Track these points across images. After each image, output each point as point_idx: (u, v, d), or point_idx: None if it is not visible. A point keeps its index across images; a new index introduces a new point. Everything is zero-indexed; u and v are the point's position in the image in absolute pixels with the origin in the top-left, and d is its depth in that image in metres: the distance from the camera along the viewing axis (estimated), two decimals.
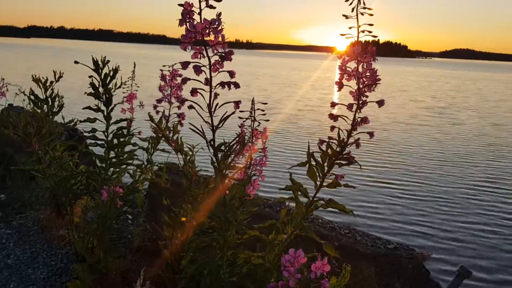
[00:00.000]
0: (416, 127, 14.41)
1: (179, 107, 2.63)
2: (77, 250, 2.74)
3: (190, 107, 1.56)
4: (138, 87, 2.92)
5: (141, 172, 2.71)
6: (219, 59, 1.45)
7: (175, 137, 2.03)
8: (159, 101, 2.58)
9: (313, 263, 1.55)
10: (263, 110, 1.93)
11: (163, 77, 2.57)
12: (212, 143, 1.56)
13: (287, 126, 13.01)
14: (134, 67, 2.92)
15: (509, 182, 8.24)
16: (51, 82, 2.90)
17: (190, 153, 1.90)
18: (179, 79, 2.61)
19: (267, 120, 1.95)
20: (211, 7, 1.41)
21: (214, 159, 1.59)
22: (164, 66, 2.57)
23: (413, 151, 10.25)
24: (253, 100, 1.96)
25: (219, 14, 1.44)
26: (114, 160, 2.73)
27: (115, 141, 2.74)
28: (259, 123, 1.97)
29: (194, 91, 1.53)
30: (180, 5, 1.43)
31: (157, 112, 2.59)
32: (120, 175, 2.79)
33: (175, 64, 2.59)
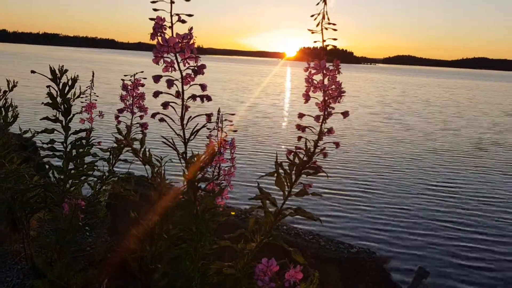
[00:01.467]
0: (369, 133, 14.87)
1: (141, 117, 2.62)
2: (35, 265, 2.65)
3: (161, 120, 1.56)
4: (97, 96, 2.86)
5: (102, 183, 2.66)
6: (191, 73, 1.47)
7: (143, 149, 2.01)
8: (120, 111, 2.55)
9: (286, 271, 1.59)
10: (231, 121, 1.96)
11: (124, 87, 2.54)
12: (184, 155, 1.57)
13: (250, 134, 12.98)
14: (93, 76, 2.87)
15: (464, 184, 8.66)
16: (4, 92, 2.79)
17: (158, 164, 1.89)
18: (141, 89, 2.60)
19: (235, 131, 1.98)
20: (183, 21, 1.42)
21: (186, 171, 1.59)
22: (125, 75, 2.54)
23: (369, 157, 10.54)
24: (219, 110, 1.98)
25: (190, 29, 1.45)
26: (73, 171, 2.67)
27: (74, 152, 2.67)
28: (226, 133, 2.00)
29: (166, 104, 1.53)
30: (151, 19, 1.44)
31: (119, 122, 2.56)
32: (79, 187, 2.72)
33: (137, 73, 2.58)
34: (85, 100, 2.80)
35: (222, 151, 1.97)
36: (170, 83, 1.44)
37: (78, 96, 2.61)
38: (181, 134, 1.56)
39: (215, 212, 1.73)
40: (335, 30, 1.74)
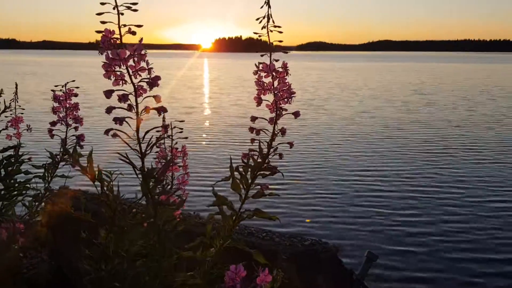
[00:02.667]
0: (295, 121, 15.23)
1: (76, 128, 2.48)
2: None
3: (114, 135, 1.49)
4: (23, 109, 2.66)
5: (38, 202, 2.49)
6: (146, 85, 1.41)
7: (92, 165, 1.91)
8: (53, 124, 2.40)
9: (253, 274, 1.61)
10: (181, 128, 1.92)
11: (56, 98, 2.39)
12: (142, 170, 1.52)
13: (198, 137, 12.31)
14: (16, 87, 2.66)
15: (404, 167, 9.05)
16: None
17: (108, 179, 1.81)
18: (74, 99, 2.46)
19: (186, 138, 1.94)
20: (133, 33, 1.37)
21: (144, 186, 1.54)
22: (56, 86, 2.39)
23: (303, 148, 10.63)
24: (164, 118, 1.93)
25: (141, 39, 1.40)
26: (3, 192, 2.48)
27: (3, 171, 2.48)
28: (176, 141, 1.96)
29: (118, 120, 1.47)
30: (98, 31, 1.36)
31: (52, 136, 2.41)
32: (12, 209, 2.53)
33: (68, 83, 2.44)
34: (10, 114, 2.60)
35: (174, 159, 1.93)
36: (124, 98, 1.38)
37: (4, 111, 2.41)
38: (137, 148, 1.50)
39: (175, 224, 1.70)
40: (280, 32, 1.76)
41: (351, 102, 21.21)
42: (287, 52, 1.84)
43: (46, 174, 2.50)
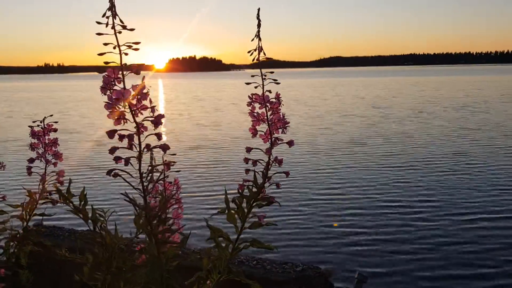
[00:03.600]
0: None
1: (55, 164, 2.39)
2: None
3: (115, 175, 1.46)
4: None
5: (18, 243, 2.37)
6: (151, 124, 1.40)
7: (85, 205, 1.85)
8: (31, 161, 2.31)
9: None
10: (174, 162, 1.89)
11: (34, 134, 2.31)
12: (146, 209, 1.49)
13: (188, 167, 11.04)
14: None
15: (372, 182, 9.08)
16: None
17: (102, 219, 1.76)
18: (52, 135, 2.38)
19: (178, 171, 1.92)
20: (137, 73, 1.35)
21: (149, 225, 1.51)
22: (34, 122, 2.31)
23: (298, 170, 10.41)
24: (152, 151, 1.91)
25: (143, 78, 1.38)
26: None
27: None
28: (168, 175, 1.93)
29: (118, 159, 1.44)
30: (100, 71, 1.34)
31: (31, 173, 2.32)
32: None
33: (46, 118, 2.36)
34: None
35: (168, 193, 1.90)
36: (131, 137, 1.36)
37: None
38: (140, 187, 1.47)
39: (179, 262, 1.67)
40: (270, 59, 1.79)
41: (311, 118, 21.48)
42: (275, 80, 1.85)
43: (25, 214, 2.39)
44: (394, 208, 7.38)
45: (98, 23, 1.28)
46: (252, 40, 1.78)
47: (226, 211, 1.87)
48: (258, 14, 1.76)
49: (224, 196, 1.87)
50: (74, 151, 13.38)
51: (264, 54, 1.79)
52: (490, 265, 5.33)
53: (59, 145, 2.37)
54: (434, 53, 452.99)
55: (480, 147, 12.66)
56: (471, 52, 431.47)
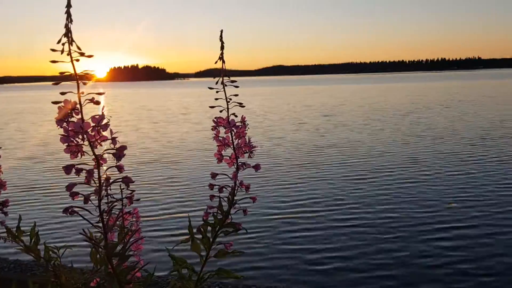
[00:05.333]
0: (202, 152, 14.99)
1: None
2: None
3: (72, 212, 1.34)
4: None
5: None
6: (113, 156, 1.29)
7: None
8: None
9: None
10: (132, 190, 1.77)
11: None
12: (106, 247, 1.37)
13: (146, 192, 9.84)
14: None
15: (330, 192, 9.11)
16: None
17: (55, 256, 1.61)
18: None
19: (138, 200, 1.80)
20: (97, 103, 1.25)
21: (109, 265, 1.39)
22: None
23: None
24: (108, 180, 1.79)
25: (103, 108, 1.28)
26: None
27: None
28: (125, 205, 1.81)
29: (75, 195, 1.32)
30: (54, 102, 1.22)
31: None
32: None
33: None
34: None
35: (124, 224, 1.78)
36: (88, 173, 1.25)
37: None
38: (100, 225, 1.36)
39: None
40: (236, 87, 1.73)
41: (261, 128, 21.40)
42: (237, 87, 1.78)
43: None
44: (354, 220, 7.39)
45: (53, 50, 1.17)
46: (216, 62, 1.72)
47: (191, 240, 1.78)
48: (221, 36, 1.70)
49: (188, 223, 1.78)
50: (15, 171, 12.38)
51: (229, 77, 1.73)
52: (445, 274, 5.52)
53: (2, 172, 2.18)
54: (370, 62, 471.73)
55: (429, 154, 13.08)
56: (404, 61, 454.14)
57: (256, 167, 1.76)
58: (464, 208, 7.82)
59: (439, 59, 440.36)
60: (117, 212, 1.54)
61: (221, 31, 1.71)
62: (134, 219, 1.84)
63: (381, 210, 7.91)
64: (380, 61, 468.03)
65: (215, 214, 1.76)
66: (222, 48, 1.71)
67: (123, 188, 1.78)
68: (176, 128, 22.63)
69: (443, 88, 59.60)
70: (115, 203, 1.39)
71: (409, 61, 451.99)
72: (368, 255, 6.09)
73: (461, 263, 5.74)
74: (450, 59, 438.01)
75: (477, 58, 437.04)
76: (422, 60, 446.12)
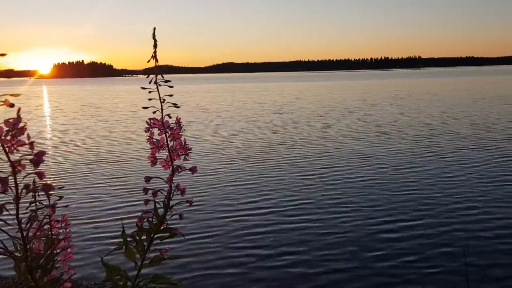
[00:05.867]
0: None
1: None
2: None
3: None
4: None
5: None
6: (30, 162, 1.19)
7: None
8: None
9: None
10: (60, 197, 1.67)
11: None
12: (26, 260, 1.28)
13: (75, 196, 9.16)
14: None
15: (281, 192, 9.15)
16: None
17: None
18: None
19: (66, 206, 1.70)
20: (11, 105, 1.15)
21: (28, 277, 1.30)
22: None
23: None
24: (29, 189, 1.68)
25: (18, 110, 1.18)
26: None
27: None
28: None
29: None
30: None
31: None
32: None
33: None
34: None
35: (55, 233, 1.67)
36: (3, 181, 1.15)
37: None
38: (19, 235, 1.26)
39: None
40: (171, 87, 1.66)
41: (215, 125, 21.15)
42: (172, 86, 1.72)
43: None
44: (305, 222, 7.33)
45: None
46: (148, 61, 1.65)
47: (124, 247, 1.70)
48: (154, 34, 1.62)
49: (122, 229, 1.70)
50: None
51: (162, 76, 1.66)
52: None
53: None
54: (318, 60, 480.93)
55: (376, 150, 13.45)
56: (350, 59, 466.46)
57: (193, 169, 1.70)
58: (408, 201, 8.13)
59: (383, 58, 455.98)
60: (44, 220, 1.44)
61: (154, 29, 1.64)
62: (64, 226, 1.74)
63: (330, 206, 8.02)
64: (328, 59, 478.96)
65: (150, 219, 1.70)
66: (155, 46, 1.64)
67: (51, 195, 1.68)
68: (125, 127, 21.98)
69: (387, 86, 61.67)
70: (33, 213, 1.29)
71: (354, 59, 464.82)
72: (316, 251, 6.14)
73: (406, 255, 5.93)
74: (393, 58, 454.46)
75: (417, 57, 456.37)
76: (366, 59, 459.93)
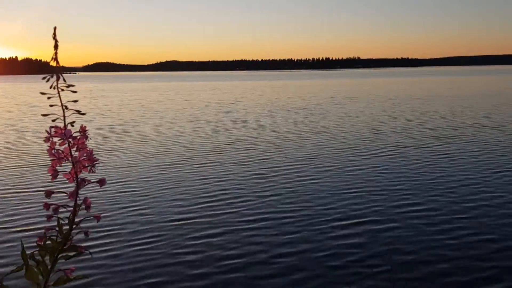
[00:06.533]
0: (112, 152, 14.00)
1: None
2: None
3: None
4: None
5: None
6: None
7: None
8: None
9: None
10: None
11: None
12: None
13: None
14: None
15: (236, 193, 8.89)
16: None
17: None
18: None
19: None
20: None
21: None
22: None
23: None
24: None
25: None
26: None
27: None
28: None
29: None
30: None
31: None
32: None
33: None
34: None
35: None
36: None
37: None
38: None
39: None
40: (74, 92, 1.52)
41: (160, 125, 20.55)
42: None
43: None
44: (252, 216, 7.26)
45: None
46: (49, 62, 1.49)
47: (25, 269, 1.54)
48: (54, 34, 1.47)
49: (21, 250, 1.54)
50: None
51: (64, 80, 1.51)
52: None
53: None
54: (263, 59, 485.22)
55: (322, 149, 13.52)
56: (293, 59, 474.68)
57: (101, 182, 1.56)
58: (356, 202, 8.09)
59: (324, 58, 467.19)
60: None
61: (55, 28, 1.49)
62: None
63: (281, 205, 7.94)
64: (272, 59, 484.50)
65: (54, 237, 1.55)
66: (55, 47, 1.49)
67: None
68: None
69: (328, 86, 63.06)
70: None
71: (297, 59, 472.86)
72: (267, 252, 6.03)
73: (356, 254, 5.95)
74: (334, 58, 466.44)
75: (357, 58, 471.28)
76: (308, 59, 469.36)
